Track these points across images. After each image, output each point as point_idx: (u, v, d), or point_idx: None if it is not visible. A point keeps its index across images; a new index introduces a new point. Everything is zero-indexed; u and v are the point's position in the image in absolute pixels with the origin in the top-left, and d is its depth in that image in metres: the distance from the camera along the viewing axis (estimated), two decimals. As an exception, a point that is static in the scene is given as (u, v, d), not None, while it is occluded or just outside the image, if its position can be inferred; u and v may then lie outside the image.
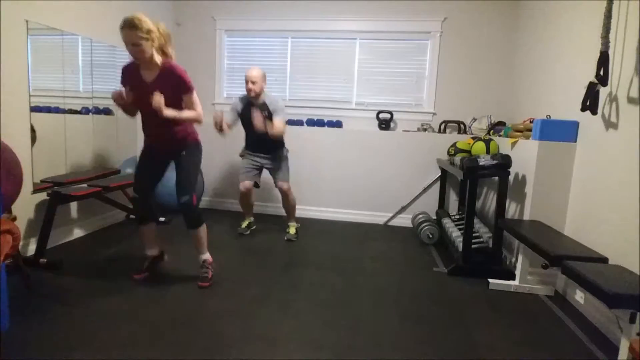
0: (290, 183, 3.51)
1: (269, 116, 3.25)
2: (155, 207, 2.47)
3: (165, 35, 2.22)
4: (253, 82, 3.19)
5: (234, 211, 4.44)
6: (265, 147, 3.44)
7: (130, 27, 2.06)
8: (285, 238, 3.52)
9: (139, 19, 2.08)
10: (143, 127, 2.41)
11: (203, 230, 2.46)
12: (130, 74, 2.27)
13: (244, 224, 3.65)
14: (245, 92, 3.27)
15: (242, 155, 3.61)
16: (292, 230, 3.59)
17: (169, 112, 2.19)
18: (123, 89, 2.28)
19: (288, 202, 3.57)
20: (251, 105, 3.29)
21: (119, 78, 2.35)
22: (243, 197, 3.51)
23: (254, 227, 3.74)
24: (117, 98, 2.19)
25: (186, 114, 2.28)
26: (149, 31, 2.11)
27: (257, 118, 3.05)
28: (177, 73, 2.22)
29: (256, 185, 3.53)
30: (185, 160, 2.39)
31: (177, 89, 2.24)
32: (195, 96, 2.30)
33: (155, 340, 1.87)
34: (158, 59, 2.21)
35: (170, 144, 2.38)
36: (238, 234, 3.58)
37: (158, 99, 2.11)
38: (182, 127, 2.37)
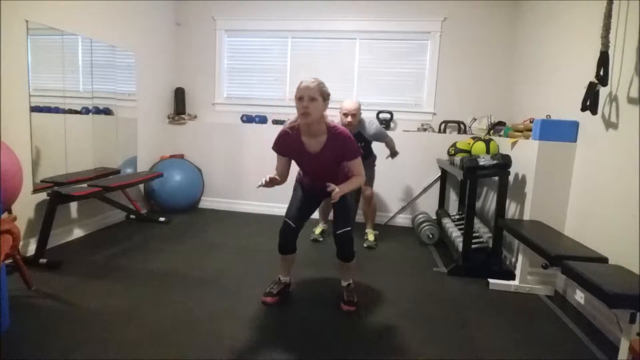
0: (373, 189, 3.50)
1: (364, 147, 3.25)
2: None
3: (328, 99, 2.10)
4: (353, 115, 3.14)
5: (234, 211, 4.44)
6: None
7: (313, 82, 2.01)
8: (365, 245, 3.40)
9: (320, 82, 2.05)
10: (303, 177, 2.36)
11: (354, 263, 2.32)
12: (290, 142, 2.15)
13: (318, 230, 3.59)
14: (338, 121, 3.21)
15: None
16: (371, 237, 3.49)
17: (344, 188, 2.06)
18: (279, 157, 2.21)
19: (369, 208, 3.52)
20: None
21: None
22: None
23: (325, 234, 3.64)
24: (268, 185, 2.00)
25: (354, 183, 2.16)
26: (326, 94, 2.06)
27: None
28: (346, 138, 2.10)
29: None
30: (345, 194, 2.22)
31: (343, 154, 2.12)
32: (359, 160, 2.17)
33: (155, 340, 1.87)
34: (323, 124, 2.09)
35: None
36: (311, 240, 3.49)
37: (337, 193, 1.98)
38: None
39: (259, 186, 1.98)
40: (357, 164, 2.17)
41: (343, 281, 2.39)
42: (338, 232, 2.18)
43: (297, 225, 2.25)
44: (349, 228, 2.20)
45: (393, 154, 3.60)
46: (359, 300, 2.37)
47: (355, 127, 3.22)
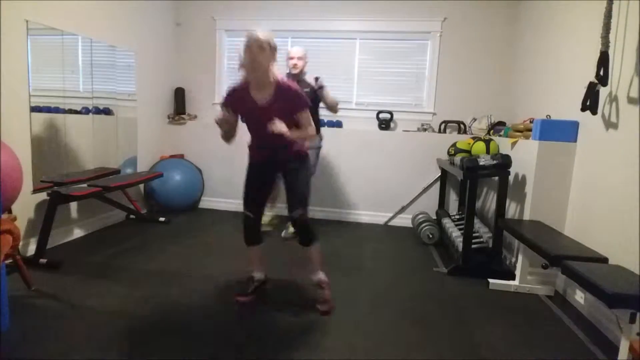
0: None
1: (310, 93, 3.30)
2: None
3: (275, 52, 2.08)
4: (300, 58, 3.27)
5: (234, 211, 4.44)
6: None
7: (261, 33, 2.00)
8: (282, 235, 3.55)
9: (268, 34, 2.03)
10: (252, 142, 2.30)
11: (317, 247, 2.25)
12: (239, 97, 2.13)
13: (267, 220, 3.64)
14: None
15: None
16: (292, 228, 3.52)
17: (292, 134, 2.05)
18: (224, 110, 2.14)
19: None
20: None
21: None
22: None
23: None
24: (222, 123, 2.05)
25: (306, 132, 2.15)
26: (272, 47, 2.03)
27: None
28: (293, 90, 2.09)
29: None
30: (297, 173, 2.23)
31: (292, 106, 2.10)
32: (308, 112, 2.15)
33: (155, 340, 1.87)
34: (272, 76, 2.06)
35: (283, 157, 2.23)
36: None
37: (279, 127, 1.98)
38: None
39: (216, 120, 2.04)
40: (306, 117, 2.14)
41: (313, 276, 2.30)
42: (293, 214, 2.16)
43: (256, 215, 2.25)
44: (302, 210, 2.15)
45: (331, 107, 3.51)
46: (362, 299, 2.37)
47: (302, 73, 3.34)
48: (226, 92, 2.19)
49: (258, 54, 1.98)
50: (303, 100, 2.12)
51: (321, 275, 2.30)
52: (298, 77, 3.33)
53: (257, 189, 2.29)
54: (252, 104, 2.11)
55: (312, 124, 2.18)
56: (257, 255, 2.37)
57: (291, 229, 3.55)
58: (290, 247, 3.30)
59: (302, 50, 3.32)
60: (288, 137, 2.03)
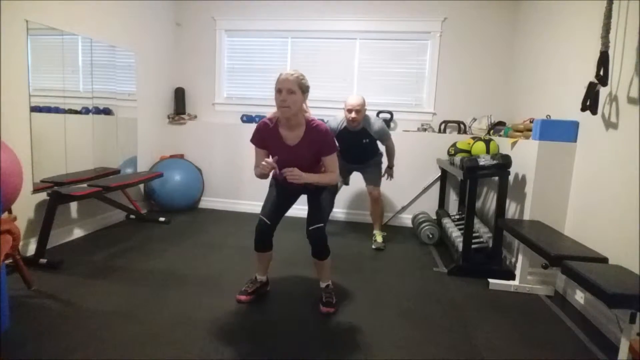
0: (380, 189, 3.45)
1: (369, 144, 3.28)
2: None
3: (307, 92, 2.09)
4: (358, 111, 3.08)
5: (234, 211, 4.44)
6: (360, 159, 3.45)
7: (292, 74, 2.01)
8: (373, 247, 3.40)
9: (299, 74, 2.04)
10: (279, 174, 2.27)
11: (329, 261, 2.28)
12: (268, 135, 2.14)
13: None
14: (342, 116, 3.21)
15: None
16: (379, 239, 3.44)
17: (310, 179, 2.05)
18: (257, 150, 2.18)
19: (376, 209, 3.50)
20: (348, 131, 3.22)
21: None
22: None
23: None
24: (268, 170, 2.01)
25: (324, 177, 2.14)
26: (305, 87, 2.05)
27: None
28: (323, 133, 2.09)
29: (346, 183, 3.68)
30: (320, 193, 2.27)
31: (320, 150, 2.11)
32: (335, 156, 2.16)
33: (155, 340, 1.87)
34: (302, 117, 2.09)
35: (307, 187, 2.24)
36: None
37: (298, 175, 1.98)
38: None
39: (268, 170, 2.00)
40: (332, 160, 2.14)
41: (321, 282, 2.34)
42: (310, 228, 2.17)
43: (272, 223, 2.24)
44: (322, 224, 2.18)
45: (390, 167, 3.56)
46: (362, 299, 2.37)
47: (360, 123, 3.17)
48: (256, 128, 2.19)
49: (288, 96, 1.98)
50: (331, 144, 2.13)
51: (329, 282, 2.35)
52: (354, 128, 3.18)
53: (277, 202, 2.30)
54: (281, 143, 2.13)
55: (337, 168, 2.18)
56: (264, 261, 2.38)
57: (379, 239, 3.45)
58: (289, 246, 3.30)
59: (361, 99, 3.11)
60: (304, 183, 2.03)
